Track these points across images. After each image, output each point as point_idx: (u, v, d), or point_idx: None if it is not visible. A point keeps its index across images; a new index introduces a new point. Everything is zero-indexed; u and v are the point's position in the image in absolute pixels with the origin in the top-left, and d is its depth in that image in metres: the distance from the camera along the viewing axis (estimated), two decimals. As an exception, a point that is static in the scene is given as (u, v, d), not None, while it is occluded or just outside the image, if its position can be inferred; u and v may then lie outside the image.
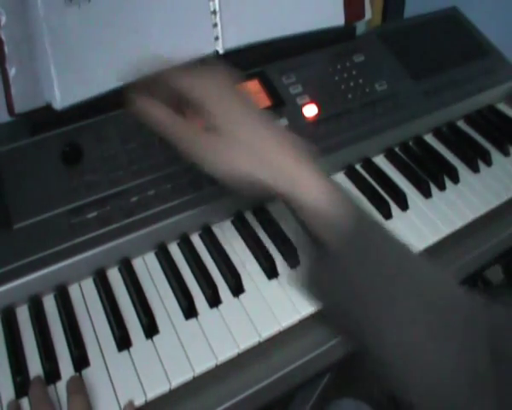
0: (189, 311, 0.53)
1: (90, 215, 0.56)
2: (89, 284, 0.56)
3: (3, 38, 0.57)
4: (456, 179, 0.71)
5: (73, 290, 0.55)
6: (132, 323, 0.53)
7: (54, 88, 0.59)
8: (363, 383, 0.49)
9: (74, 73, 0.60)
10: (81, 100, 0.61)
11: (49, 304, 0.54)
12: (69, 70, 0.60)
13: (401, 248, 0.46)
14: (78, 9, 0.58)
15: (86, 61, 0.61)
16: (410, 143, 0.76)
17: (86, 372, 0.49)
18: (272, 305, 0.54)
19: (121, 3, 0.61)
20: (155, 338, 0.52)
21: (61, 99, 0.60)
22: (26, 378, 0.48)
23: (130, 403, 0.47)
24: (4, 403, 0.46)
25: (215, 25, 0.68)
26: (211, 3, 0.67)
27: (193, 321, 0.53)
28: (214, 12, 0.67)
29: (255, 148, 0.47)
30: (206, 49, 0.68)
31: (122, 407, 0.47)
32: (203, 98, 0.48)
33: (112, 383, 0.48)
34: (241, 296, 0.55)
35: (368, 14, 0.80)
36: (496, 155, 0.76)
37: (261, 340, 0.52)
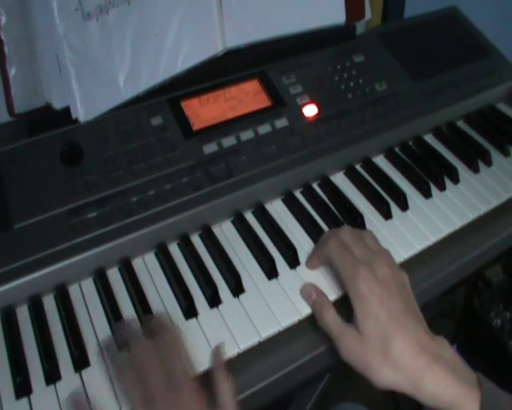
0: (189, 311, 0.53)
1: (90, 215, 0.56)
2: (89, 284, 0.56)
3: (3, 38, 0.57)
4: (456, 179, 0.70)
5: (73, 290, 0.55)
6: (132, 323, 0.53)
7: (77, 104, 0.61)
8: (363, 385, 0.49)
9: (96, 86, 0.61)
10: (104, 111, 0.62)
11: (49, 304, 0.54)
12: (91, 84, 0.61)
13: None
14: (96, 23, 0.59)
15: (107, 71, 0.62)
16: (410, 143, 0.76)
17: (86, 372, 0.49)
18: (272, 305, 0.54)
19: (139, 10, 0.62)
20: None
21: (84, 114, 0.61)
22: (26, 378, 0.48)
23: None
24: (4, 403, 0.46)
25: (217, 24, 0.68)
26: (213, 3, 0.67)
27: (193, 321, 0.53)
28: (216, 12, 0.68)
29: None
30: (215, 50, 0.68)
31: (122, 406, 0.47)
32: None
33: (112, 383, 0.48)
34: (241, 296, 0.55)
35: (368, 14, 0.80)
36: (496, 155, 0.75)
37: (261, 340, 0.52)
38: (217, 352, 0.50)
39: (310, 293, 0.54)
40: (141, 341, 0.47)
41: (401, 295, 0.50)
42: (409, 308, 0.50)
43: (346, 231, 0.55)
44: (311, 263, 0.58)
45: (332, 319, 0.51)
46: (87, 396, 0.47)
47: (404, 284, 0.52)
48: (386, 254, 0.54)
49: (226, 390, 0.47)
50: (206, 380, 0.48)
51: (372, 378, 0.48)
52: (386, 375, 0.47)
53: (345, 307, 0.53)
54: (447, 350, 0.48)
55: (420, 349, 0.47)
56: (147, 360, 0.46)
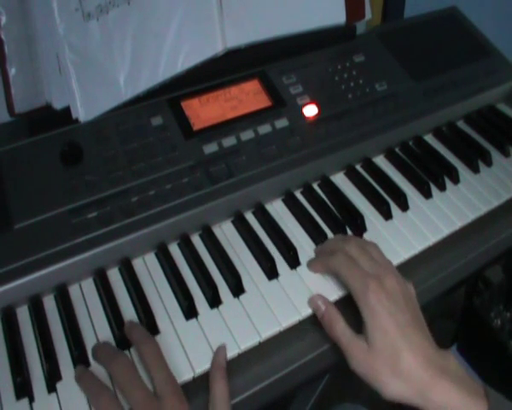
0: (189, 311, 0.53)
1: (90, 215, 0.56)
2: (89, 284, 0.56)
3: (3, 38, 0.57)
4: (456, 180, 0.71)
5: (73, 290, 0.55)
6: (132, 323, 0.53)
7: (77, 104, 0.61)
8: (363, 385, 0.49)
9: (96, 86, 0.61)
10: (104, 111, 0.62)
11: (49, 304, 0.54)
12: (91, 84, 0.61)
13: None
14: (96, 23, 0.59)
15: (107, 71, 0.62)
16: (410, 143, 0.76)
17: (86, 373, 0.49)
18: (272, 305, 0.54)
19: (139, 10, 0.62)
20: (155, 339, 0.51)
21: (84, 114, 0.61)
22: (26, 378, 0.47)
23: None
24: (4, 404, 0.46)
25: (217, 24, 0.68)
26: (213, 3, 0.67)
27: (193, 321, 0.53)
28: (216, 12, 0.68)
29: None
30: (215, 50, 0.68)
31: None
32: None
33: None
34: (241, 296, 0.55)
35: (368, 14, 0.80)
36: (496, 155, 0.75)
37: (261, 340, 0.52)
38: (218, 351, 0.50)
39: (318, 305, 0.54)
40: (115, 359, 0.47)
41: (408, 308, 0.50)
42: (416, 321, 0.50)
43: (350, 245, 0.56)
44: (313, 268, 0.58)
45: (342, 331, 0.51)
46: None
47: (411, 295, 0.53)
48: (391, 265, 0.55)
49: (220, 391, 0.47)
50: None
51: (381, 390, 0.48)
52: (394, 388, 0.48)
53: (346, 305, 0.53)
54: (453, 363, 0.49)
55: (427, 363, 0.47)
56: (124, 379, 0.46)
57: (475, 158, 0.73)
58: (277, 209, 0.65)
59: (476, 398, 0.46)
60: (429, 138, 0.78)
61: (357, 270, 0.52)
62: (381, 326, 0.49)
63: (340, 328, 0.51)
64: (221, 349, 0.50)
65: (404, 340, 0.48)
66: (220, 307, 0.54)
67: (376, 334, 0.49)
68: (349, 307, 0.52)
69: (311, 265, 0.58)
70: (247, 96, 0.70)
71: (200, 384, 0.49)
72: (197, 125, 0.66)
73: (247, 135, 0.66)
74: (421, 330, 0.50)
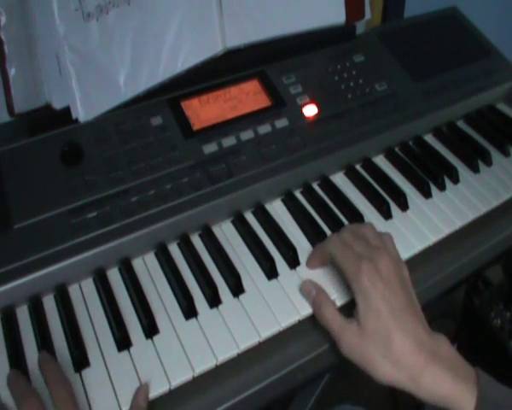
0: (189, 311, 0.53)
1: (90, 215, 0.56)
2: (89, 284, 0.56)
3: (3, 38, 0.57)
4: (456, 179, 0.70)
5: (73, 290, 0.55)
6: (132, 323, 0.53)
7: (77, 104, 0.61)
8: (363, 385, 0.49)
9: (96, 86, 0.61)
10: (104, 111, 0.62)
11: (49, 304, 0.54)
12: (91, 84, 0.61)
13: None
14: (96, 23, 0.59)
15: (107, 71, 0.62)
16: (410, 143, 0.76)
17: (86, 372, 0.49)
18: (272, 305, 0.54)
19: (139, 10, 0.62)
20: (155, 338, 0.52)
21: (84, 114, 0.61)
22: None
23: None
24: (4, 403, 0.46)
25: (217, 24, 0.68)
26: (213, 3, 0.67)
27: (193, 321, 0.53)
28: (216, 12, 0.68)
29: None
30: (215, 50, 0.68)
31: (122, 406, 0.47)
32: None
33: (112, 383, 0.48)
34: (241, 296, 0.55)
35: (368, 14, 0.80)
36: (496, 155, 0.75)
37: (261, 340, 0.52)
38: (139, 393, 0.47)
39: (309, 289, 0.54)
40: (28, 400, 0.44)
41: (402, 292, 0.50)
42: (409, 305, 0.50)
43: (346, 229, 0.56)
44: (311, 263, 0.58)
45: (332, 316, 0.51)
46: (87, 397, 0.47)
47: (404, 277, 0.53)
48: (388, 247, 0.54)
49: None
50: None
51: (373, 373, 0.48)
52: (386, 370, 0.48)
53: (344, 306, 0.53)
54: (445, 347, 0.49)
55: (419, 347, 0.47)
56: None
57: (475, 158, 0.73)
58: (277, 209, 0.65)
59: (466, 383, 0.46)
60: (429, 138, 0.78)
61: (351, 253, 0.52)
62: (374, 309, 0.49)
63: (330, 312, 0.51)
64: (141, 391, 0.47)
65: (397, 324, 0.48)
66: (220, 306, 0.54)
67: (369, 316, 0.49)
68: (348, 306, 0.52)
69: (308, 261, 0.58)
70: (247, 96, 0.70)
71: (200, 384, 0.49)
72: (197, 125, 0.66)
73: (246, 135, 0.66)
74: (414, 315, 0.50)
